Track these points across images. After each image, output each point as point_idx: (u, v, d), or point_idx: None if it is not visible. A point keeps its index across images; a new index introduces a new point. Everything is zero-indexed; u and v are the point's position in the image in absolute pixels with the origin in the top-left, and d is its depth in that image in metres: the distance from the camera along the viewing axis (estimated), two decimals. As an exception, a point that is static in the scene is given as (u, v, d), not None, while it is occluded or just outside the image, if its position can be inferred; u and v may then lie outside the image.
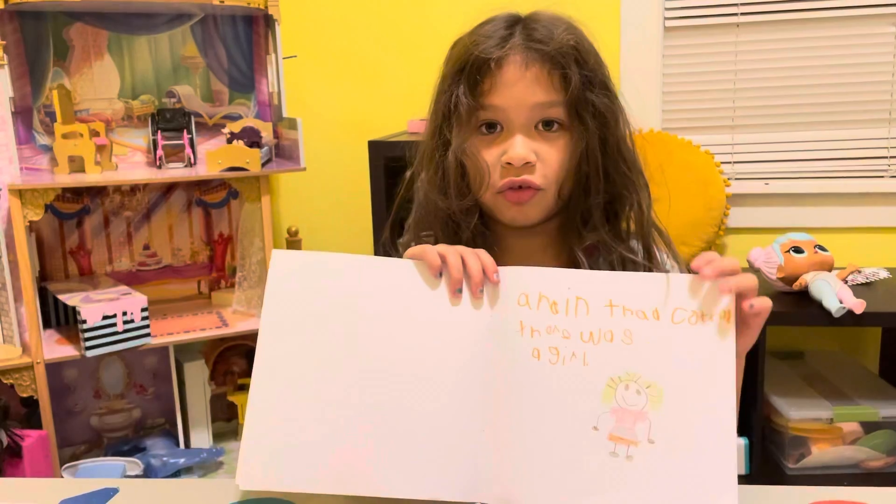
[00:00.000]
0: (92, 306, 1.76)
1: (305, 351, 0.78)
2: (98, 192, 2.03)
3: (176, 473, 1.88)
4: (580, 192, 0.91)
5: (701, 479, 0.73)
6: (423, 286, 0.80)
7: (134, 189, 2.06)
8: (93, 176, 1.85)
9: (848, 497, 0.83)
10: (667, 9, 2.06)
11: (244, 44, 2.09)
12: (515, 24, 0.91)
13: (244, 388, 2.13)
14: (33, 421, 1.83)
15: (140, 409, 2.11)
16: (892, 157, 2.05)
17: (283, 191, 2.29)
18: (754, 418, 1.73)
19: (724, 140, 2.10)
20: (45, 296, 1.92)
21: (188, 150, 1.97)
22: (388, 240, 1.03)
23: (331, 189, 2.24)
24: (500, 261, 0.81)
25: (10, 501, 0.88)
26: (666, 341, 0.75)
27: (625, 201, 0.94)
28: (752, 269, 1.80)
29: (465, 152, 0.90)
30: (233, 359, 2.16)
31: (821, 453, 1.75)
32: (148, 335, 1.84)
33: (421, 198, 0.96)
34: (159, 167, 1.97)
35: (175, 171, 1.96)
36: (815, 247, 1.76)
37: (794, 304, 1.71)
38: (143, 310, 1.82)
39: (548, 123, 0.89)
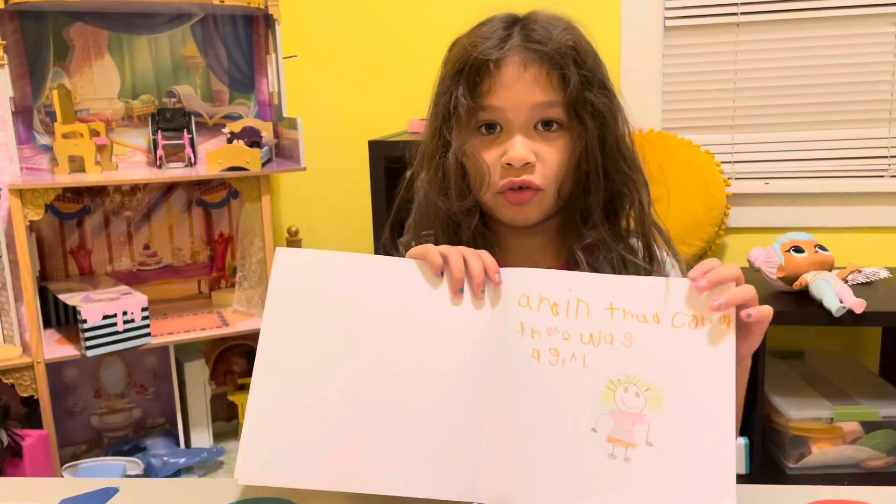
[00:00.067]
0: (92, 306, 1.76)
1: (307, 348, 0.79)
2: (98, 191, 2.03)
3: (176, 473, 1.88)
4: (580, 191, 0.92)
5: (699, 482, 0.73)
6: (424, 285, 0.80)
7: (134, 189, 2.06)
8: (93, 176, 1.85)
9: (848, 497, 0.83)
10: (667, 8, 2.06)
11: (244, 44, 2.09)
12: (514, 24, 0.91)
13: (244, 387, 2.13)
14: (34, 420, 1.83)
15: (140, 409, 2.11)
16: (892, 157, 2.05)
17: (283, 190, 2.29)
18: (754, 418, 1.73)
19: (725, 140, 2.10)
20: (45, 295, 1.92)
21: (188, 150, 1.97)
22: (389, 240, 1.04)
23: (331, 189, 2.24)
24: (501, 260, 0.81)
25: (11, 501, 0.88)
26: (666, 345, 0.76)
27: (624, 200, 0.94)
28: (752, 268, 1.80)
29: (464, 153, 0.91)
30: (233, 358, 2.16)
31: (821, 453, 1.75)
32: (148, 335, 1.84)
33: (421, 198, 0.97)
34: (159, 167, 1.97)
35: (175, 171, 1.96)
36: (815, 246, 1.76)
37: (795, 303, 1.71)
38: (144, 309, 1.82)
39: (547, 123, 0.89)
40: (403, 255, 0.87)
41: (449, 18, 2.07)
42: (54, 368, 1.86)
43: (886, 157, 2.05)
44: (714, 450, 0.73)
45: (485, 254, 0.81)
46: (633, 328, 0.76)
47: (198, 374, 2.04)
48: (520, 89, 0.88)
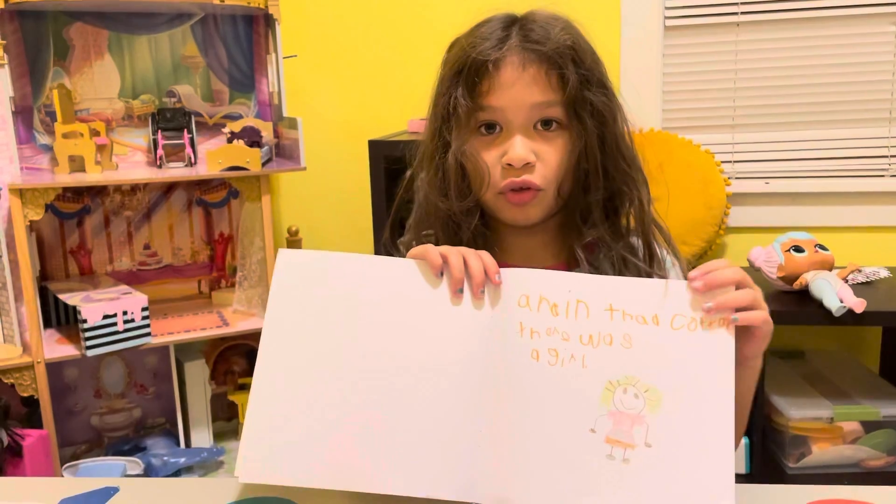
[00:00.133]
0: (92, 306, 1.76)
1: (308, 347, 0.79)
2: (98, 191, 2.03)
3: (176, 473, 1.88)
4: (579, 189, 0.92)
5: (698, 483, 0.73)
6: (424, 285, 0.80)
7: (134, 188, 2.06)
8: (93, 175, 1.85)
9: (848, 496, 0.83)
10: (667, 8, 2.06)
11: (244, 43, 2.10)
12: (512, 24, 0.91)
13: (244, 387, 2.13)
14: (34, 420, 1.84)
15: (140, 409, 2.11)
16: (892, 157, 2.05)
17: (283, 190, 2.29)
18: (755, 418, 1.73)
19: (725, 139, 2.10)
20: (45, 295, 1.93)
21: (188, 150, 1.98)
22: (389, 240, 1.04)
23: (331, 188, 2.24)
24: (501, 259, 0.82)
25: (11, 501, 0.88)
26: (665, 347, 0.76)
27: (624, 198, 0.94)
28: (752, 268, 1.80)
29: (464, 154, 0.91)
30: (233, 358, 2.16)
31: (821, 452, 1.75)
32: (148, 335, 1.84)
33: (421, 198, 0.97)
34: (160, 167, 1.97)
35: (175, 171, 1.96)
36: (815, 246, 1.76)
37: (795, 303, 1.71)
38: (144, 309, 1.82)
39: (546, 123, 0.89)
40: (404, 255, 0.87)
41: (449, 18, 2.05)
42: (54, 368, 1.86)
43: (886, 156, 2.05)
44: (713, 451, 0.73)
45: (485, 254, 0.81)
46: (633, 329, 0.76)
47: (198, 373, 2.04)
48: (519, 89, 0.88)
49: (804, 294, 1.72)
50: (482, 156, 0.90)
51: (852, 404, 1.77)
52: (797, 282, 1.72)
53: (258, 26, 2.09)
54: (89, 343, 1.76)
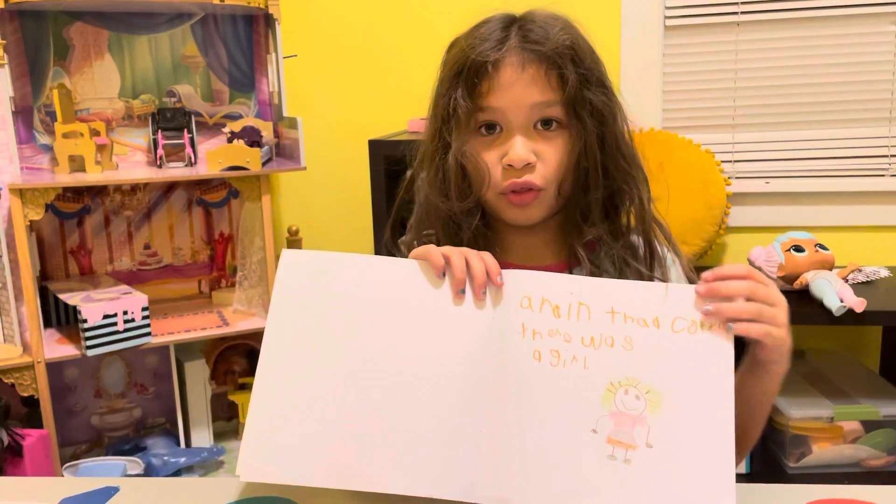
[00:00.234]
0: (92, 305, 1.76)
1: (310, 347, 0.80)
2: (98, 191, 2.03)
3: (177, 473, 1.88)
4: (579, 188, 0.92)
5: (699, 483, 0.73)
6: (426, 286, 0.81)
7: (134, 188, 2.06)
8: (93, 175, 1.85)
9: (848, 496, 0.83)
10: (667, 7, 2.06)
11: (244, 43, 2.09)
12: (511, 24, 0.91)
13: (245, 387, 2.13)
14: (34, 420, 1.83)
15: (141, 409, 2.11)
16: (892, 156, 2.05)
17: (283, 190, 2.29)
18: (755, 417, 1.73)
19: (725, 139, 2.10)
20: (45, 295, 1.92)
21: (188, 150, 1.97)
22: (390, 240, 1.04)
23: (331, 188, 2.24)
24: (502, 259, 0.82)
25: (11, 500, 0.88)
26: (666, 349, 0.76)
27: (624, 196, 0.94)
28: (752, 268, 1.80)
29: (464, 154, 0.91)
30: (233, 358, 2.16)
31: (821, 452, 1.76)
32: (148, 334, 1.84)
33: (422, 198, 0.97)
34: (160, 166, 1.97)
35: (175, 171, 1.96)
36: (815, 245, 1.76)
37: (795, 302, 1.70)
38: (144, 309, 1.82)
39: (546, 123, 0.90)
40: (405, 254, 0.87)
41: (449, 19, 2.05)
42: (54, 368, 1.86)
43: (886, 156, 2.05)
44: (714, 452, 0.74)
45: (487, 255, 0.81)
46: (634, 332, 0.77)
47: (198, 373, 2.04)
48: (518, 90, 0.88)
49: (804, 293, 1.72)
50: (482, 156, 0.90)
51: (852, 404, 1.77)
52: (797, 281, 1.72)
53: (258, 26, 2.08)
54: (89, 343, 1.76)
